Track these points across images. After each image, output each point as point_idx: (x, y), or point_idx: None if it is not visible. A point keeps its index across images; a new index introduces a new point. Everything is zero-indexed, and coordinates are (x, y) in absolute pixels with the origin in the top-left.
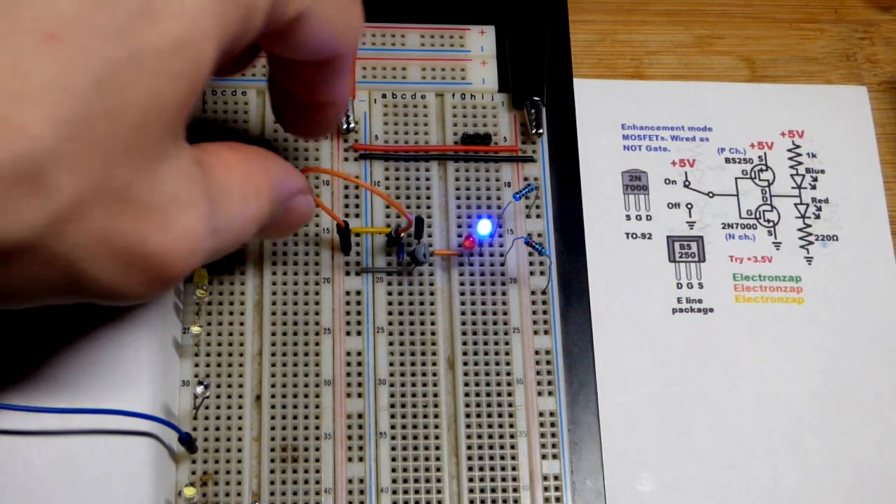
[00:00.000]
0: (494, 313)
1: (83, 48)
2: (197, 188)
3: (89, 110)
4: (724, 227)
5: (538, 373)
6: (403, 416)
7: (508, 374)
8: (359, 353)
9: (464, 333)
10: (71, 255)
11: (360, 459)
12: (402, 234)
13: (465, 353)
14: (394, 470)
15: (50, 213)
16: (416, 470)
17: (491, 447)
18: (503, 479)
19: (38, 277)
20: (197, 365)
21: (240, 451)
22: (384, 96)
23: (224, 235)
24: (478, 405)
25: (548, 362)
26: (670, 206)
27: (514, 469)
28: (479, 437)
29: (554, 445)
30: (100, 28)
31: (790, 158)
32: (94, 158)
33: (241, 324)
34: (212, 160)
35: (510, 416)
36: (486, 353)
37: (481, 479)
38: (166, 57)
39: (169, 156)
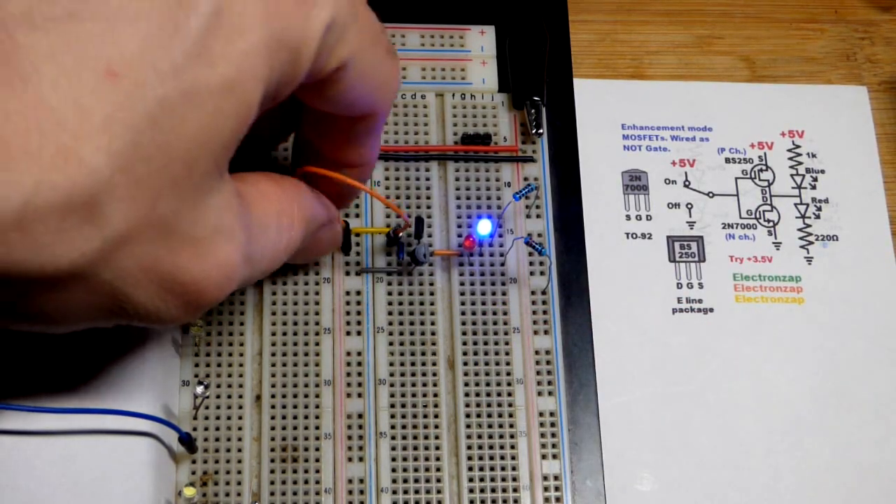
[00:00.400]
0: (494, 313)
1: (140, 85)
2: (237, 220)
3: (143, 144)
4: (724, 227)
5: (538, 373)
6: (403, 416)
7: (508, 374)
8: (359, 353)
9: (464, 333)
10: (117, 281)
11: (360, 459)
12: (401, 234)
13: (465, 353)
14: (394, 470)
15: (101, 241)
16: (416, 470)
17: (491, 447)
18: (503, 479)
19: (84, 302)
20: (197, 365)
21: (240, 451)
22: None
23: (258, 264)
24: (478, 405)
25: (548, 362)
26: (670, 206)
27: (514, 469)
28: (479, 437)
29: (554, 445)
30: (157, 67)
31: (790, 158)
32: (145, 190)
33: (241, 324)
34: (251, 191)
35: (510, 416)
36: (486, 353)
37: (481, 479)
38: (217, 96)
39: (214, 189)
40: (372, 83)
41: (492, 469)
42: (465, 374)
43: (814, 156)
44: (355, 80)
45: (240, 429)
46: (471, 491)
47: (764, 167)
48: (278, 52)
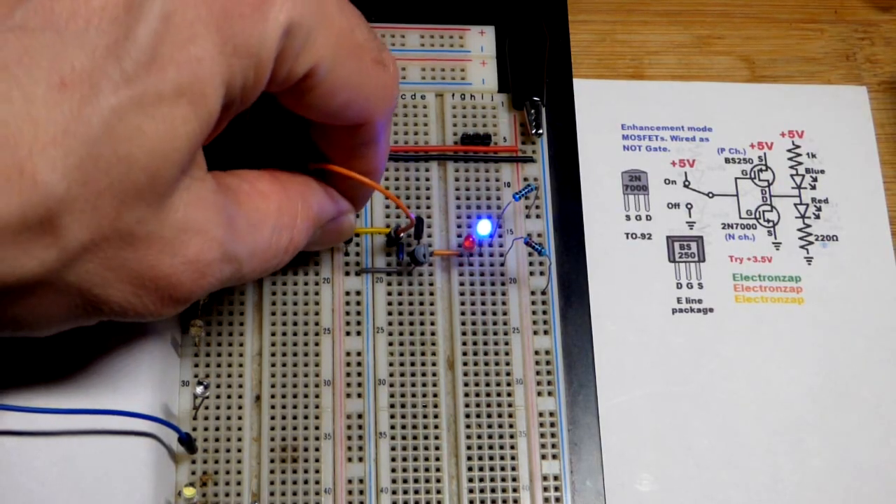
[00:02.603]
0: (494, 313)
1: (93, 96)
2: (211, 215)
3: (101, 155)
4: (724, 227)
5: (538, 373)
6: (403, 416)
7: (508, 374)
8: (359, 353)
9: (464, 333)
10: (84, 283)
11: (360, 459)
12: (402, 234)
13: (465, 353)
14: (394, 470)
15: (60, 251)
16: (416, 470)
17: (491, 447)
18: (503, 479)
19: (57, 305)
20: (197, 365)
21: (240, 451)
22: None
23: (248, 261)
24: (478, 405)
25: (548, 362)
26: (670, 206)
27: (514, 469)
28: (479, 437)
29: (554, 445)
30: (109, 77)
31: (790, 158)
32: (105, 201)
33: (241, 324)
34: (245, 189)
35: (510, 416)
36: (486, 353)
37: (481, 479)
38: (171, 102)
39: (179, 189)
40: (357, 93)
41: (492, 469)
42: (465, 374)
43: (814, 156)
44: (334, 89)
45: (240, 429)
46: (471, 491)
47: (764, 167)
48: (235, 57)
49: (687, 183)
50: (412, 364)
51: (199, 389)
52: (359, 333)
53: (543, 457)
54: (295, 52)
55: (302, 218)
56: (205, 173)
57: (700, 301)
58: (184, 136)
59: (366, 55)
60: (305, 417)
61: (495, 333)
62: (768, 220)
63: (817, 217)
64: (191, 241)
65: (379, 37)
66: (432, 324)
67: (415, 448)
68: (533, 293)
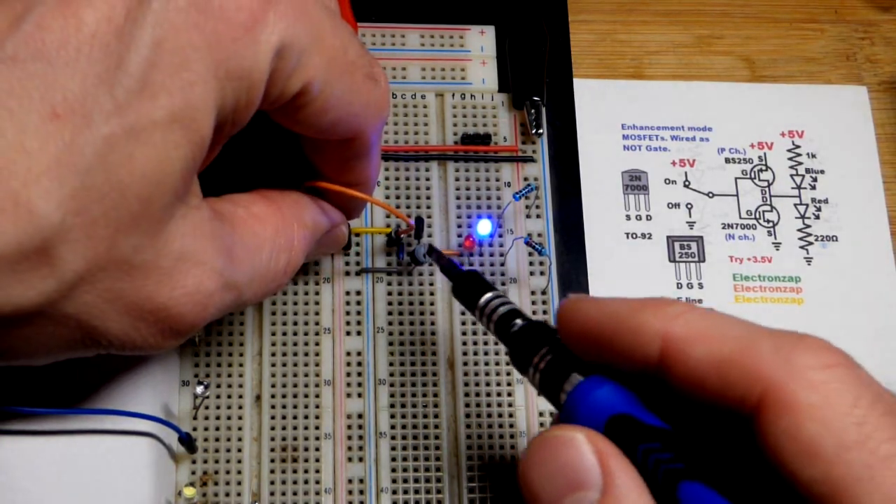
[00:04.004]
0: None
1: (86, 125)
2: (209, 244)
3: (94, 185)
4: (724, 228)
5: None
6: (403, 416)
7: (508, 374)
8: (359, 353)
9: (464, 333)
10: (81, 314)
11: (360, 459)
12: (403, 235)
13: (465, 353)
14: (394, 470)
15: (58, 282)
16: (416, 470)
17: (491, 447)
18: (503, 479)
19: (54, 336)
20: (197, 365)
21: (240, 451)
22: None
23: (247, 288)
24: (478, 405)
25: None
26: (670, 206)
27: (514, 469)
28: (479, 437)
29: None
30: (101, 105)
31: (790, 159)
32: (101, 229)
33: (241, 324)
34: (240, 214)
35: (510, 416)
36: (486, 353)
37: (481, 479)
38: (164, 128)
39: (176, 216)
40: (350, 109)
41: (492, 469)
42: (465, 374)
43: (814, 156)
44: (327, 105)
45: (240, 429)
46: (471, 491)
47: (764, 167)
48: (227, 80)
49: (687, 183)
50: (412, 364)
51: (199, 389)
52: (359, 333)
53: None
54: (287, 72)
55: (299, 238)
56: (200, 201)
57: (700, 301)
58: (176, 161)
59: (358, 72)
60: (305, 417)
61: None
62: (768, 221)
63: (817, 217)
64: (189, 270)
65: (369, 52)
66: (432, 324)
67: (415, 448)
68: (533, 293)
